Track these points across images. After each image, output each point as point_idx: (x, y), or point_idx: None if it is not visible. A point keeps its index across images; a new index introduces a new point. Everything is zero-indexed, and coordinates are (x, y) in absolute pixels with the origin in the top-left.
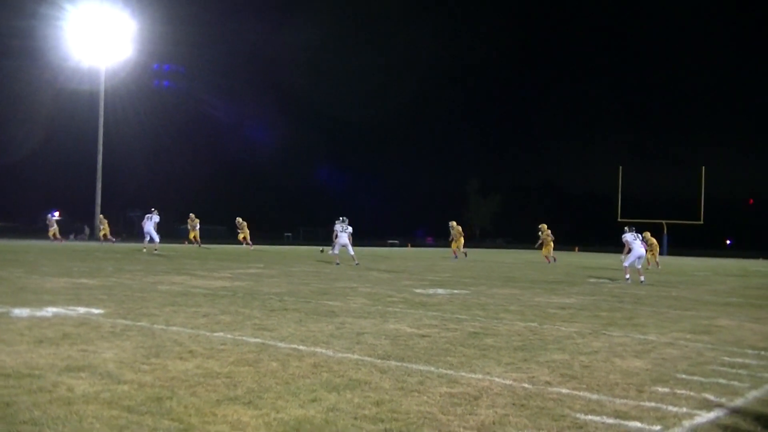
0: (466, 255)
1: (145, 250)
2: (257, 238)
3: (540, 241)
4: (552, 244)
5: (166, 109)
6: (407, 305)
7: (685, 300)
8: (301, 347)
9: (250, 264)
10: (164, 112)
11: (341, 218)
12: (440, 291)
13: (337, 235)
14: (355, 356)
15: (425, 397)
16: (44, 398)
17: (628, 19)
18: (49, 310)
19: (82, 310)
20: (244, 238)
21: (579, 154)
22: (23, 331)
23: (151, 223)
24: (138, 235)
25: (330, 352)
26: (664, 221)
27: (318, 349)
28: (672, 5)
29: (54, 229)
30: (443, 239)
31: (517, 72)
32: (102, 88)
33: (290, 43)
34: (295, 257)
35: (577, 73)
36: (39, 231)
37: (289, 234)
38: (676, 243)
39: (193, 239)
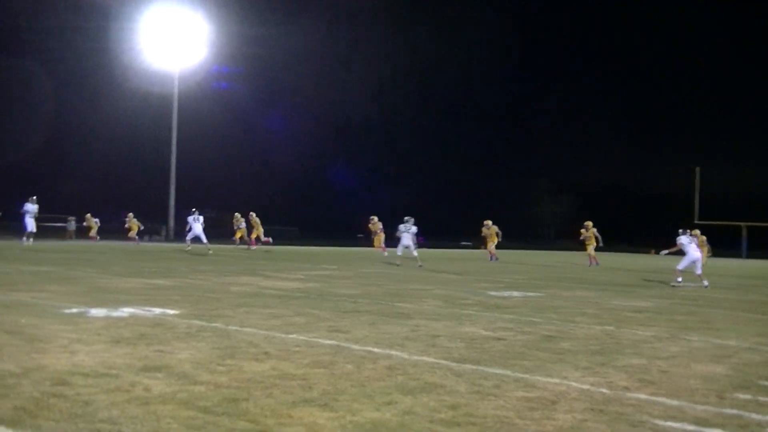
0: (497, 258)
1: (210, 251)
2: (330, 239)
3: (582, 239)
4: (595, 243)
5: (233, 110)
6: (481, 307)
7: (764, 304)
8: (375, 350)
9: (322, 265)
10: (231, 114)
11: (406, 218)
12: (515, 293)
13: (400, 236)
14: (430, 359)
15: (501, 401)
16: (122, 397)
17: (706, 14)
18: (125, 311)
19: (157, 310)
20: (257, 237)
21: (654, 155)
22: (100, 331)
23: (199, 224)
24: (215, 236)
25: (404, 355)
26: (743, 223)
27: (392, 352)
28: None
29: (93, 228)
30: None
31: (585, 69)
32: (176, 90)
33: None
34: (367, 258)
35: (649, 71)
36: (114, 232)
37: (362, 234)
38: (756, 245)
39: (239, 239)
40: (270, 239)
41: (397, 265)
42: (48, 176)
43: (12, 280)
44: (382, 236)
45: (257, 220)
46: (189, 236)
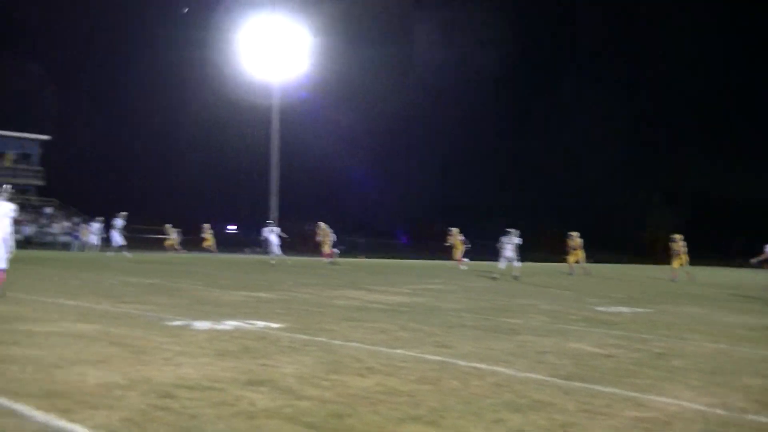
0: (584, 270)
1: (273, 262)
2: (429, 251)
3: (672, 253)
4: (685, 257)
5: (329, 122)
6: (589, 323)
7: None
8: (481, 366)
9: (426, 279)
10: (326, 126)
11: (509, 230)
12: (623, 309)
13: (502, 248)
14: (538, 376)
15: (613, 421)
16: (227, 411)
17: None
18: (229, 324)
19: (261, 323)
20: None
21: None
22: (204, 344)
23: (274, 236)
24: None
25: (511, 371)
26: None
27: (499, 368)
28: None
29: (173, 239)
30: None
31: (693, 77)
32: (276, 101)
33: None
34: (473, 273)
35: (759, 76)
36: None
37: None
38: None
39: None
40: (336, 251)
41: (496, 279)
42: (149, 188)
43: (118, 292)
44: (462, 249)
45: (327, 230)
46: (277, 250)
